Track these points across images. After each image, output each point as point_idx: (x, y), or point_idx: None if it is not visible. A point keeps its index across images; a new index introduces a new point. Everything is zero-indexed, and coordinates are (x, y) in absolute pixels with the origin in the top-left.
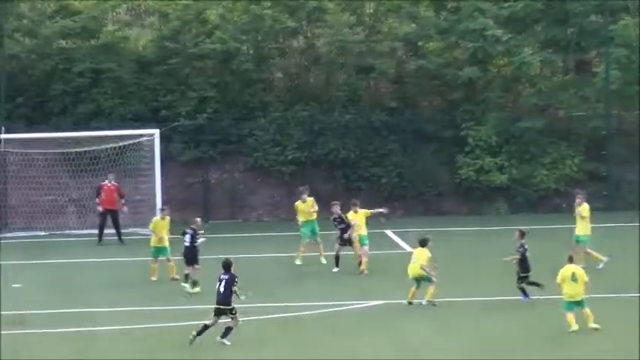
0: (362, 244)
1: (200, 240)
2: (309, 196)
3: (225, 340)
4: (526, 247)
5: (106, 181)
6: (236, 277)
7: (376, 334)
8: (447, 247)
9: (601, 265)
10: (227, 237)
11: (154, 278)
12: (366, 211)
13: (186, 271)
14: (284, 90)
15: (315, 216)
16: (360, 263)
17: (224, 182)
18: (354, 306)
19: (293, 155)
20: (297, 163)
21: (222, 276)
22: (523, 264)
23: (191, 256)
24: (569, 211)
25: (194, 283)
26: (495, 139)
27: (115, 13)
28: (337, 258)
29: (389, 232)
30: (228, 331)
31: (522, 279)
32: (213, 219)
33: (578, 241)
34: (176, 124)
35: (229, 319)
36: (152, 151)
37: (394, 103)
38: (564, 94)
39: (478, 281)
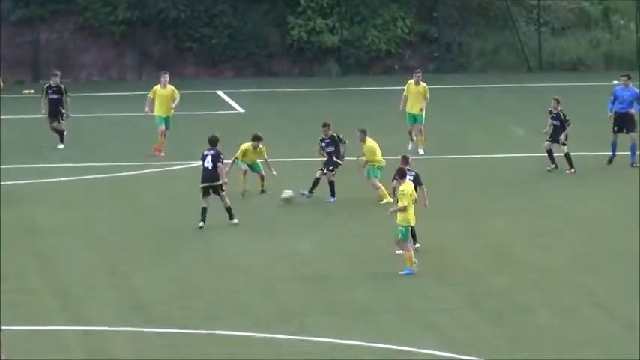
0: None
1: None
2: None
3: (235, 220)
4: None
5: None
6: (221, 153)
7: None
8: (278, 108)
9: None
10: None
11: None
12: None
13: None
14: None
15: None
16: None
17: (54, 42)
18: (184, 166)
19: (124, 15)
20: (128, 22)
21: (206, 152)
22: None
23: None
24: (400, 73)
25: None
26: (327, 0)
27: None
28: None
29: (220, 93)
30: (230, 211)
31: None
32: (43, 79)
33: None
34: None
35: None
36: None
37: None
38: None
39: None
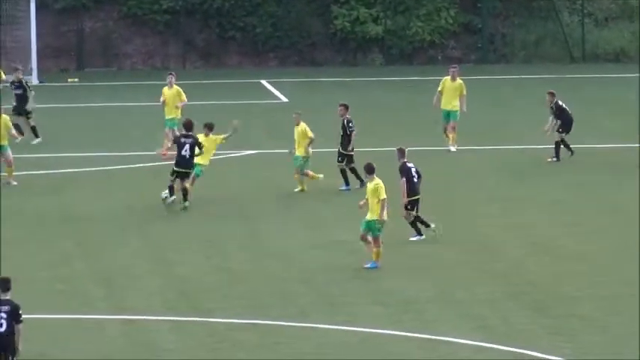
0: None
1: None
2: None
3: (187, 203)
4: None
5: None
6: (198, 139)
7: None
8: (322, 97)
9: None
10: (101, 85)
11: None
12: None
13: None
14: None
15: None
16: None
17: (98, 31)
18: (229, 155)
19: (168, 4)
20: (172, 12)
21: (184, 139)
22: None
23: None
24: (442, 63)
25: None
26: None
27: None
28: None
29: (264, 82)
30: (186, 192)
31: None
32: (88, 67)
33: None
34: None
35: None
36: None
37: None
38: None
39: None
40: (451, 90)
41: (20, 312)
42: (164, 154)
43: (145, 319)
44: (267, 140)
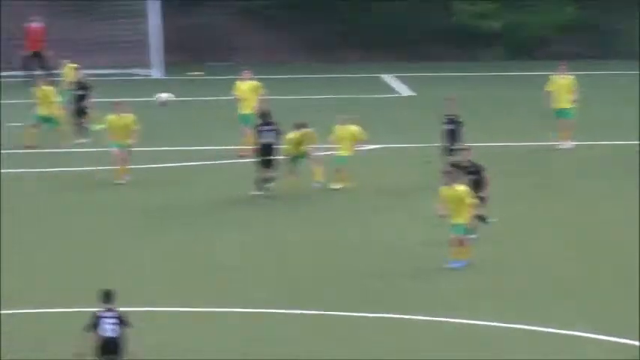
0: None
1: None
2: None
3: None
4: None
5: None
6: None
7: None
8: (443, 92)
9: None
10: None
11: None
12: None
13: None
14: None
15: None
16: None
17: (218, 25)
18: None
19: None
20: (292, 6)
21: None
22: None
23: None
24: (561, 57)
25: None
26: None
27: None
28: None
29: (384, 77)
30: (268, 180)
31: None
32: (208, 61)
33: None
34: None
35: None
36: None
37: None
38: None
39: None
40: (562, 87)
41: (127, 318)
42: (245, 153)
43: (267, 312)
44: (388, 135)
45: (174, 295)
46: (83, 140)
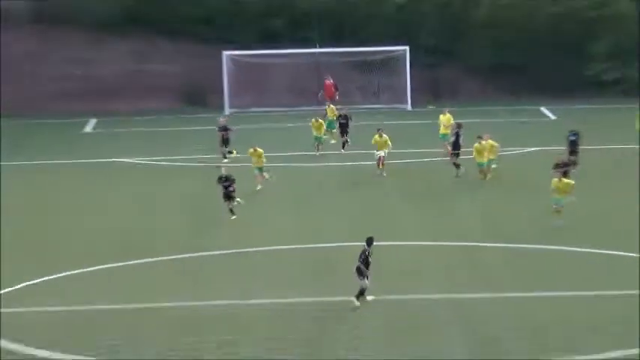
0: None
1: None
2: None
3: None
4: None
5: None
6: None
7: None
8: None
9: None
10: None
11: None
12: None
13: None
14: None
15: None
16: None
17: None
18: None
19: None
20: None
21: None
22: None
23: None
24: None
25: None
26: None
27: None
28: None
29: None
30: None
31: None
32: (443, 98)
33: None
34: None
35: None
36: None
37: None
38: None
39: None
40: None
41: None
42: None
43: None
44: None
45: None
46: (343, 151)
